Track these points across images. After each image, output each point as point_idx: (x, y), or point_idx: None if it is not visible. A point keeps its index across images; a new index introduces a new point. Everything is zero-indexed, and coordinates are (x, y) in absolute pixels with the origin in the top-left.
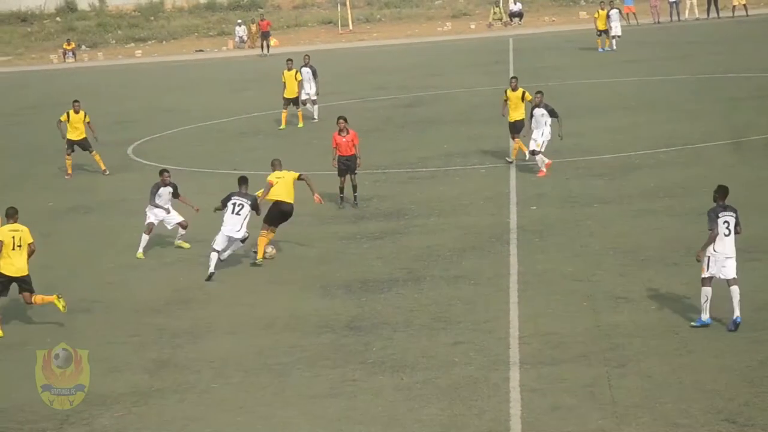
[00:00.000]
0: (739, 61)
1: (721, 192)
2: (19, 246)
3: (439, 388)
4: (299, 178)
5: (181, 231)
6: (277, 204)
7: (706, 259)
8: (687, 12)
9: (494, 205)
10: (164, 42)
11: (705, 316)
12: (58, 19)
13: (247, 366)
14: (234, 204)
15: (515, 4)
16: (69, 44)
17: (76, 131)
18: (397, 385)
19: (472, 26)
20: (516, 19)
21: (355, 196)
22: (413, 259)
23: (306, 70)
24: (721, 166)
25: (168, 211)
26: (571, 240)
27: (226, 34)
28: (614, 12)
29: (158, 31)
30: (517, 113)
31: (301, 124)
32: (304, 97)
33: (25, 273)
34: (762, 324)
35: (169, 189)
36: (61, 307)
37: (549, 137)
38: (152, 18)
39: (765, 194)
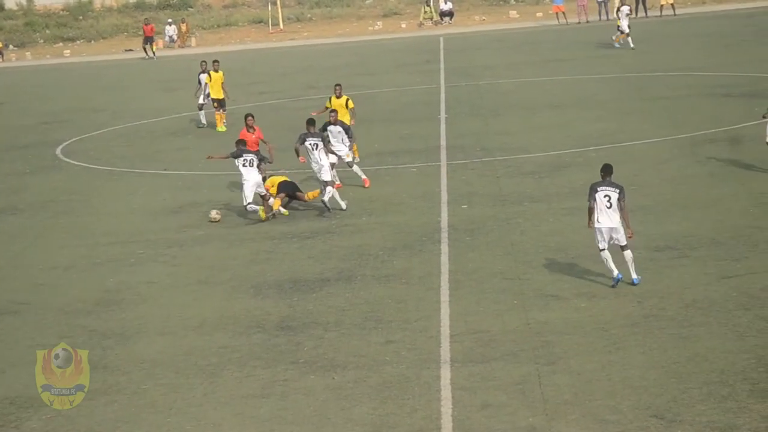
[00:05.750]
0: (667, 60)
1: (606, 170)
2: None
3: (370, 387)
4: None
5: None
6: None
7: (595, 233)
8: (615, 11)
9: (425, 204)
10: (93, 41)
11: (615, 273)
12: None
13: (178, 367)
14: (311, 144)
15: (445, 3)
16: None
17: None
18: (328, 385)
19: (403, 25)
20: (446, 18)
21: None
22: (344, 259)
23: (204, 76)
24: (649, 164)
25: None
26: (502, 238)
27: (156, 33)
28: (624, 8)
29: (87, 30)
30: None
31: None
32: (201, 101)
33: None
34: (689, 321)
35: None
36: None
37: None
38: (81, 17)
39: (691, 192)
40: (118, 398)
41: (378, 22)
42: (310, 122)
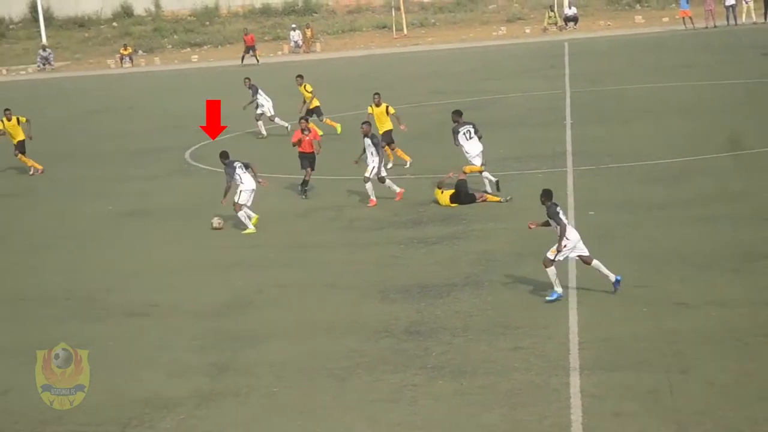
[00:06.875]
0: None
1: (548, 194)
2: None
3: (499, 393)
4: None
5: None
6: None
7: (565, 250)
8: (744, 16)
9: None
10: (220, 47)
11: (558, 290)
12: (114, 24)
13: (308, 370)
14: (465, 132)
15: (570, 8)
16: (126, 49)
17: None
18: (457, 391)
19: (527, 30)
20: (571, 23)
21: (305, 190)
22: (471, 264)
23: (251, 92)
24: None
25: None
26: (630, 245)
27: (281, 38)
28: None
29: (214, 35)
30: (384, 126)
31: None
32: (260, 111)
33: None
34: None
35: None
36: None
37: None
38: (207, 23)
39: None
40: (249, 400)
41: (502, 27)
42: (458, 113)
